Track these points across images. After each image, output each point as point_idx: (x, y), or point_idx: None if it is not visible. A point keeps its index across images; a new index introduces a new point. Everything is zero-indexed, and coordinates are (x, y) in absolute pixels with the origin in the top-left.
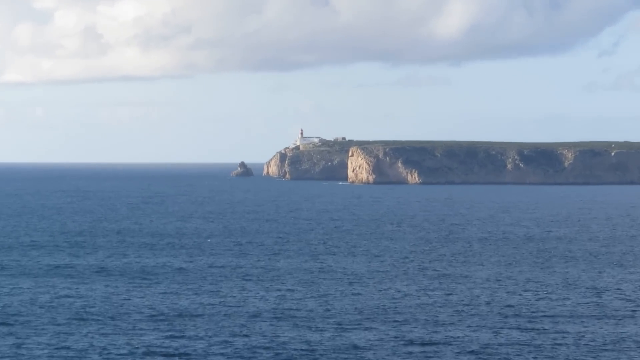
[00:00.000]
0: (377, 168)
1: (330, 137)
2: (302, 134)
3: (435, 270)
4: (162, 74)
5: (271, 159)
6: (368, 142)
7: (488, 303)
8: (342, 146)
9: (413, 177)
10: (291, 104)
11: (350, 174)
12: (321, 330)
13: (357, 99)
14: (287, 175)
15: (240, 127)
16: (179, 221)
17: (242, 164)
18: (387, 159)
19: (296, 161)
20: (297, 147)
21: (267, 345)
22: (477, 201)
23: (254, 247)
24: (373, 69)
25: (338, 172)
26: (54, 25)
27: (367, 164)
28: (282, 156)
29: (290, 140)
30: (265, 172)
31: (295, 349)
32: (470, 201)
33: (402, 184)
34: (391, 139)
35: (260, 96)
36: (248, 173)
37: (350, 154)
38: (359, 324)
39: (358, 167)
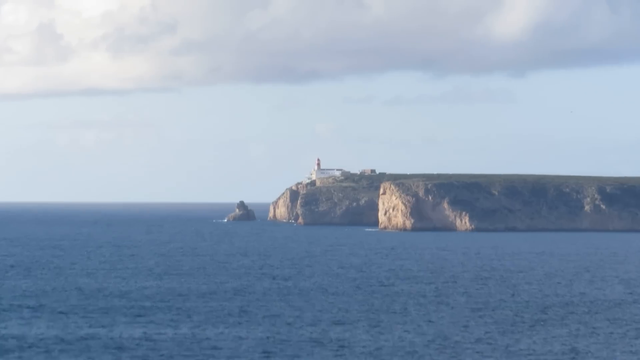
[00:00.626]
0: (417, 210)
1: (355, 169)
2: (319, 165)
3: None
4: (138, 86)
5: (279, 198)
6: (405, 176)
7: None
8: (371, 181)
9: (463, 222)
10: (305, 126)
11: (381, 217)
12: None
13: (390, 119)
14: (300, 220)
15: (239, 156)
16: (154, 279)
17: (242, 205)
18: (430, 198)
19: (311, 201)
20: (313, 183)
21: None
22: (547, 252)
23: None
24: (411, 80)
25: (366, 215)
26: (0, 22)
27: (404, 204)
28: (293, 194)
29: (303, 173)
30: (271, 215)
31: None
32: (538, 253)
33: (449, 231)
34: (435, 172)
35: (264, 115)
36: (249, 216)
37: (381, 191)
38: None
39: (392, 209)
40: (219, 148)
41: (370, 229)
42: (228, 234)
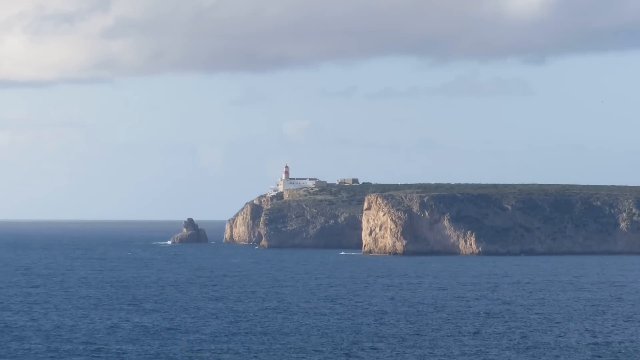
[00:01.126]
0: (410, 229)
1: (333, 178)
2: (287, 173)
3: None
4: (61, 76)
5: (237, 215)
6: (395, 187)
7: None
8: (353, 194)
9: (468, 244)
10: (270, 126)
11: (365, 238)
12: None
13: (377, 116)
14: (264, 241)
15: (188, 163)
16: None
17: (190, 223)
18: (426, 213)
19: (278, 218)
20: (280, 196)
21: None
22: (575, 283)
23: None
24: (404, 67)
25: (346, 235)
26: None
27: (394, 222)
28: (255, 210)
29: (268, 184)
30: (227, 235)
31: None
32: (567, 283)
33: (450, 254)
34: (432, 182)
35: (219, 112)
36: (199, 237)
37: (365, 206)
38: None
39: (378, 228)
40: (163, 153)
41: (352, 253)
42: (171, 261)
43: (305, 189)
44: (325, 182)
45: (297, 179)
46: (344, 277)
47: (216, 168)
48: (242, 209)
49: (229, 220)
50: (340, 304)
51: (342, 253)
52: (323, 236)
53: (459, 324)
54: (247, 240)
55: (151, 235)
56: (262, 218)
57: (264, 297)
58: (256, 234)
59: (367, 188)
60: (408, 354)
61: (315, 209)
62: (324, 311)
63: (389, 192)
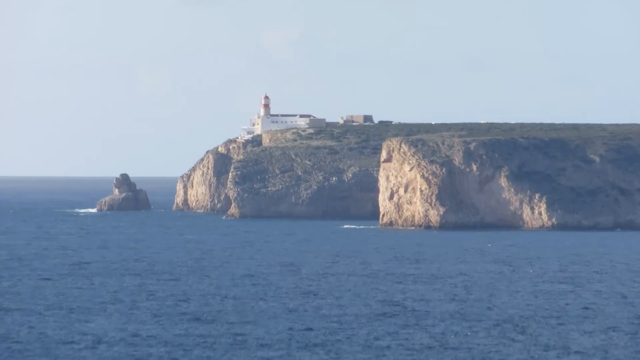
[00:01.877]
0: (450, 190)
1: (335, 115)
2: (267, 107)
3: None
4: None
5: (193, 170)
6: (427, 128)
7: None
8: (365, 137)
9: (537, 213)
10: (240, 35)
11: (384, 203)
12: None
13: (400, 19)
14: (234, 209)
15: (118, 92)
16: None
17: (124, 181)
18: (474, 167)
19: (254, 174)
20: (257, 140)
21: None
22: None
23: None
24: None
25: (354, 199)
26: None
27: (426, 180)
28: (221, 161)
29: (238, 123)
30: (179, 200)
31: None
32: None
33: (510, 228)
34: (482, 121)
35: (162, 15)
36: (138, 202)
37: (384, 156)
38: None
39: (403, 189)
40: (84, 77)
41: (362, 226)
42: (90, 241)
43: (294, 130)
44: (324, 120)
45: (283, 115)
46: (354, 278)
47: (161, 99)
48: (202, 160)
49: (182, 177)
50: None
51: (348, 226)
52: (320, 201)
53: None
54: (208, 206)
55: (68, 199)
56: (231, 174)
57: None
58: (222, 198)
59: (386, 129)
60: None
61: (309, 161)
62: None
63: (417, 136)
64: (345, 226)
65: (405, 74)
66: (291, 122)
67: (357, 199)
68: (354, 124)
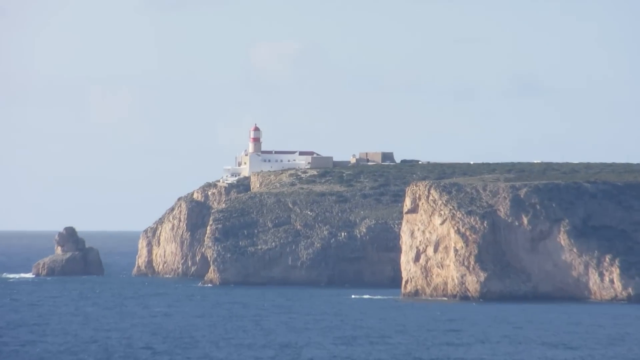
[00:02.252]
0: (494, 250)
1: (344, 153)
2: (256, 140)
3: None
4: None
5: (160, 222)
6: (462, 169)
7: None
8: (383, 181)
9: (607, 280)
10: (225, 49)
11: (408, 267)
12: None
13: (425, 31)
14: (212, 273)
15: (68, 122)
16: None
17: (69, 236)
18: (525, 220)
19: (239, 227)
20: (243, 184)
21: None
22: None
23: None
24: None
25: (369, 260)
26: None
27: (462, 236)
28: (197, 211)
29: (220, 162)
30: (141, 261)
31: None
32: None
33: (572, 300)
34: (533, 160)
35: (126, 22)
36: (87, 264)
37: (407, 205)
38: None
39: (433, 248)
40: (29, 102)
41: (377, 295)
42: (19, 322)
43: (292, 171)
44: (331, 158)
45: (277, 152)
46: None
47: (118, 130)
48: (172, 210)
49: (145, 232)
50: None
51: (361, 297)
52: (326, 263)
53: None
54: (179, 270)
55: (5, 263)
56: (209, 228)
57: None
58: (198, 259)
59: (411, 171)
60: None
61: (311, 211)
62: None
63: (451, 180)
64: (356, 296)
65: (436, 100)
66: (288, 160)
67: (373, 261)
68: (369, 163)
